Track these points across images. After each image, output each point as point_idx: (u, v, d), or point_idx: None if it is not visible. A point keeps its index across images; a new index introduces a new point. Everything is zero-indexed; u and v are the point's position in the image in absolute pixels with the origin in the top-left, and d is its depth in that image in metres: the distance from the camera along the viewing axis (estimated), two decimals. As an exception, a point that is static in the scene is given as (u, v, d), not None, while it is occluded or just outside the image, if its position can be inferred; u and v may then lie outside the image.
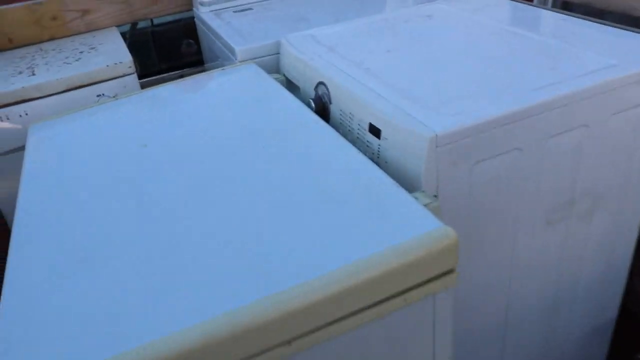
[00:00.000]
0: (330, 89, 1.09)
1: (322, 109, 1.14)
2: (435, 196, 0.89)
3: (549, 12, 1.34)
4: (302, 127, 0.96)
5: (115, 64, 1.50)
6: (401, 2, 1.69)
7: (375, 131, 0.95)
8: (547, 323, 1.29)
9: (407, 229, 0.66)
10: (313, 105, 1.13)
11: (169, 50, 2.21)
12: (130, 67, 1.52)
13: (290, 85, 1.29)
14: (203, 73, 1.33)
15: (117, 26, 2.02)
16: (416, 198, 0.74)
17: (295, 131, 0.94)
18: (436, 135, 0.84)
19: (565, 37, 1.15)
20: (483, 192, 0.96)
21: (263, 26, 1.59)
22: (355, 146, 0.88)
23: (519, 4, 1.42)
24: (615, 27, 1.17)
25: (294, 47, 1.29)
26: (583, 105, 0.96)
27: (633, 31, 1.13)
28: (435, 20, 1.35)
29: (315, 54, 1.21)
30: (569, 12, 1.30)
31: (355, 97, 0.99)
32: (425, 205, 0.73)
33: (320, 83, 1.13)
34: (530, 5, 1.39)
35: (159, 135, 0.99)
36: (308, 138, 0.91)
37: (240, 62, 1.43)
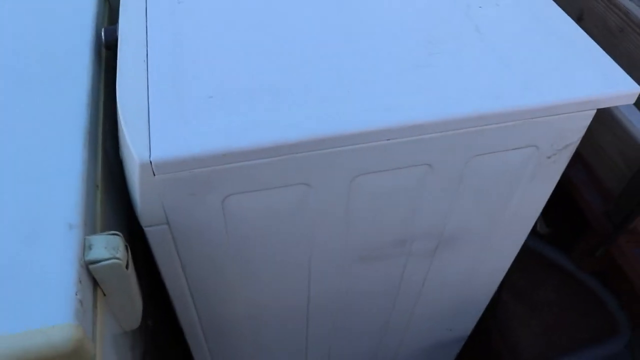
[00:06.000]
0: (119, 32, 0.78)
1: (115, 44, 0.83)
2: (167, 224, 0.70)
3: None
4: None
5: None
6: None
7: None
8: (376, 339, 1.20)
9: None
10: (103, 36, 0.82)
11: None
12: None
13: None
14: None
15: None
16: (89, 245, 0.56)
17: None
18: (150, 162, 0.58)
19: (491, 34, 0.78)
20: (250, 227, 0.75)
21: None
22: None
23: None
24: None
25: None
26: (425, 144, 0.71)
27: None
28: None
29: None
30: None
31: (121, 71, 0.70)
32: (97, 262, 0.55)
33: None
34: None
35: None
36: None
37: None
